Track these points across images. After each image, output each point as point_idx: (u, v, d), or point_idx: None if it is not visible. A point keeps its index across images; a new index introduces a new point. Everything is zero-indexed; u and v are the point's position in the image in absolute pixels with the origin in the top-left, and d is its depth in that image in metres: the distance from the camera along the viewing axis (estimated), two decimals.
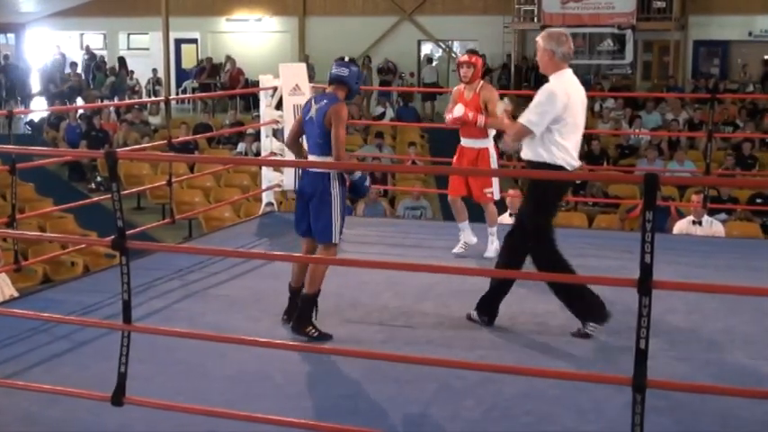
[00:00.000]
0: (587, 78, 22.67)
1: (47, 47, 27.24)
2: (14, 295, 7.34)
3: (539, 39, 5.38)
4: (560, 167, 5.26)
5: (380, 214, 12.75)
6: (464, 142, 7.14)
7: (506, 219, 9.07)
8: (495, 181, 7.18)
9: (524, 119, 5.25)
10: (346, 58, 5.51)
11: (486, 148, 7.09)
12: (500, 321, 5.61)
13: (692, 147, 16.83)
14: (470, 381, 4.60)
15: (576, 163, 5.35)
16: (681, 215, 10.35)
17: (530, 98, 5.40)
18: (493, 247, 7.09)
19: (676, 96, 18.90)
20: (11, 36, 28.51)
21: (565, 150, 5.26)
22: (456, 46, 26.02)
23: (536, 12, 23.14)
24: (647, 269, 3.13)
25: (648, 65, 24.31)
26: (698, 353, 5.14)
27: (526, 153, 5.35)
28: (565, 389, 4.47)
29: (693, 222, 9.07)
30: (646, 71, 24.22)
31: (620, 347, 4.93)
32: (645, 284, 3.14)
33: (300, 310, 5.31)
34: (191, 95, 23.19)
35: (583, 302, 5.36)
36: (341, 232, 5.33)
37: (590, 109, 20.18)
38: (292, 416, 3.87)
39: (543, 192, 5.37)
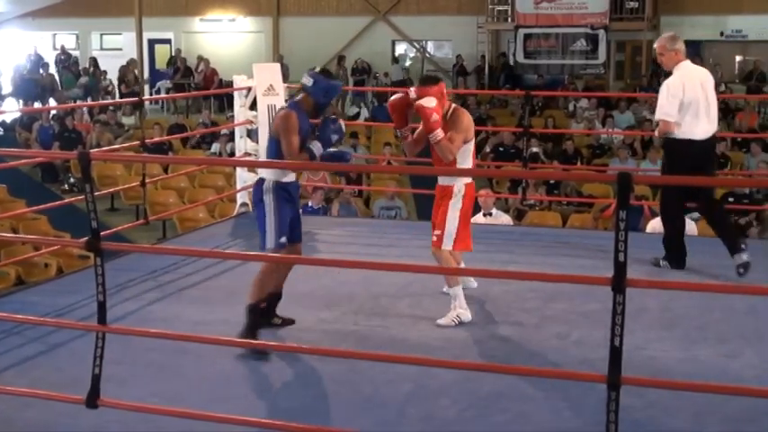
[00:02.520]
0: (560, 78, 22.77)
1: (19, 47, 27.01)
2: None
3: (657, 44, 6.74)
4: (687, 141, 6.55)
5: (355, 214, 12.76)
6: (439, 180, 5.86)
7: (480, 218, 9.11)
8: (451, 225, 5.63)
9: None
10: (317, 68, 5.37)
11: (451, 187, 5.67)
12: (475, 320, 5.63)
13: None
14: (445, 380, 4.62)
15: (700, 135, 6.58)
16: (654, 214, 10.42)
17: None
18: (452, 314, 5.55)
19: (649, 96, 19.00)
20: None
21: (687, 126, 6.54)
22: (430, 46, 26.07)
23: (510, 12, 23.22)
24: (620, 268, 3.15)
25: (621, 65, 24.45)
26: (671, 351, 5.17)
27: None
28: (540, 387, 4.50)
29: None
30: (618, 71, 24.36)
31: (595, 346, 4.96)
32: (619, 283, 3.16)
33: (245, 320, 5.12)
34: (165, 96, 23.08)
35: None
36: (278, 238, 5.21)
37: (563, 109, 20.39)
38: (267, 416, 3.88)
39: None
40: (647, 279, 4.94)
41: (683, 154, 6.59)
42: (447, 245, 5.63)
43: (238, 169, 9.17)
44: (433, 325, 5.54)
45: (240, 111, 8.80)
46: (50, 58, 25.93)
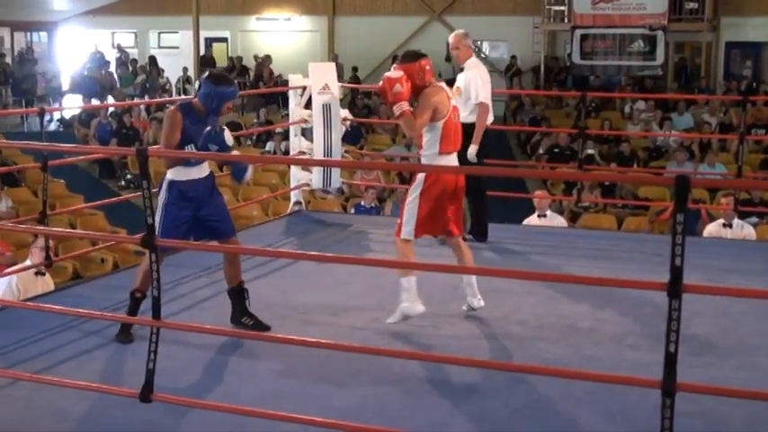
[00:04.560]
0: (617, 79, 22.49)
1: (79, 45, 27.42)
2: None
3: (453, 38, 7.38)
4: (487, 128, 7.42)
5: None
6: None
7: (534, 220, 9.05)
8: (409, 212, 5.46)
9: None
10: (206, 73, 5.33)
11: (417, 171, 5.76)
12: (528, 322, 5.60)
13: (723, 149, 16.70)
14: (498, 381, 4.59)
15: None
16: (711, 218, 10.27)
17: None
18: (397, 312, 5.49)
19: (707, 98, 18.74)
20: (43, 34, 28.74)
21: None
22: (485, 46, 25.95)
23: (566, 12, 23.00)
24: (677, 272, 3.10)
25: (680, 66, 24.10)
26: (727, 357, 5.10)
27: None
28: (593, 391, 4.45)
29: (724, 225, 8.99)
30: (677, 73, 24.01)
31: (650, 351, 4.90)
32: (675, 288, 3.12)
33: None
34: None
35: (480, 224, 7.53)
36: (162, 237, 5.02)
37: (620, 111, 20.17)
38: (318, 415, 3.88)
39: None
40: (703, 284, 4.87)
41: (483, 141, 7.36)
42: (406, 233, 5.47)
43: (292, 168, 9.22)
44: (485, 326, 5.52)
45: (295, 109, 8.85)
46: (110, 56, 26.31)
